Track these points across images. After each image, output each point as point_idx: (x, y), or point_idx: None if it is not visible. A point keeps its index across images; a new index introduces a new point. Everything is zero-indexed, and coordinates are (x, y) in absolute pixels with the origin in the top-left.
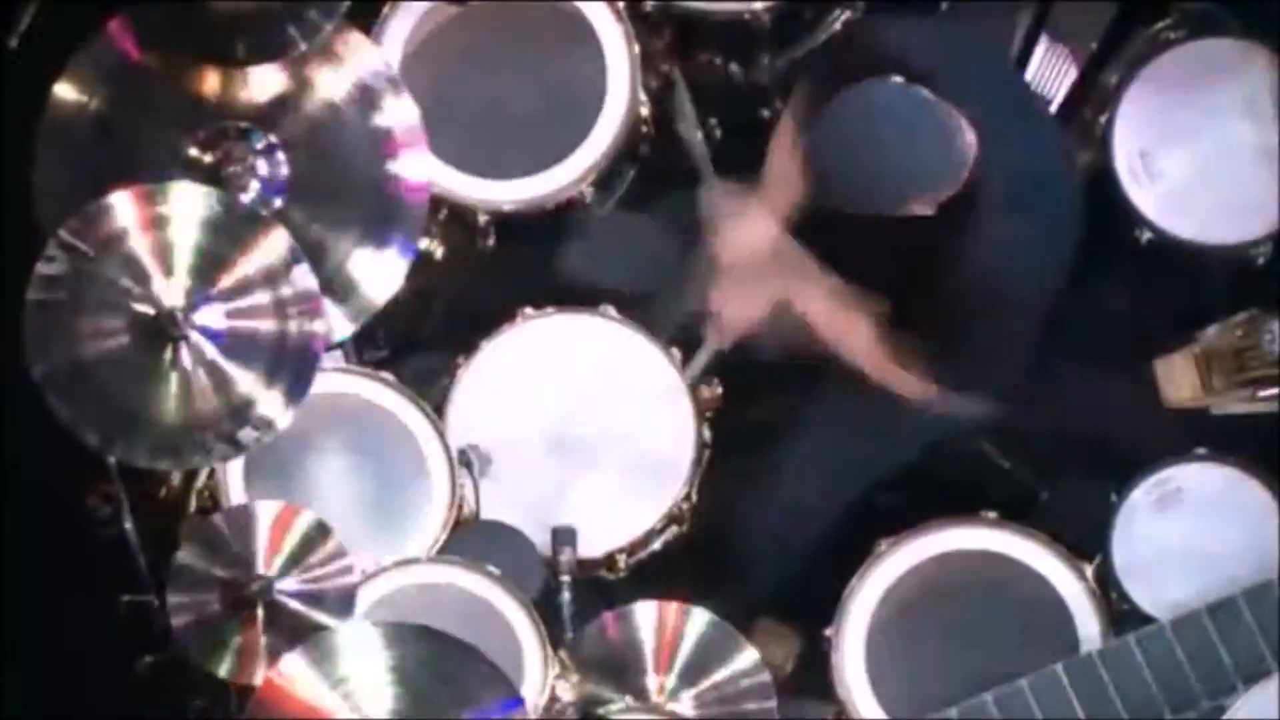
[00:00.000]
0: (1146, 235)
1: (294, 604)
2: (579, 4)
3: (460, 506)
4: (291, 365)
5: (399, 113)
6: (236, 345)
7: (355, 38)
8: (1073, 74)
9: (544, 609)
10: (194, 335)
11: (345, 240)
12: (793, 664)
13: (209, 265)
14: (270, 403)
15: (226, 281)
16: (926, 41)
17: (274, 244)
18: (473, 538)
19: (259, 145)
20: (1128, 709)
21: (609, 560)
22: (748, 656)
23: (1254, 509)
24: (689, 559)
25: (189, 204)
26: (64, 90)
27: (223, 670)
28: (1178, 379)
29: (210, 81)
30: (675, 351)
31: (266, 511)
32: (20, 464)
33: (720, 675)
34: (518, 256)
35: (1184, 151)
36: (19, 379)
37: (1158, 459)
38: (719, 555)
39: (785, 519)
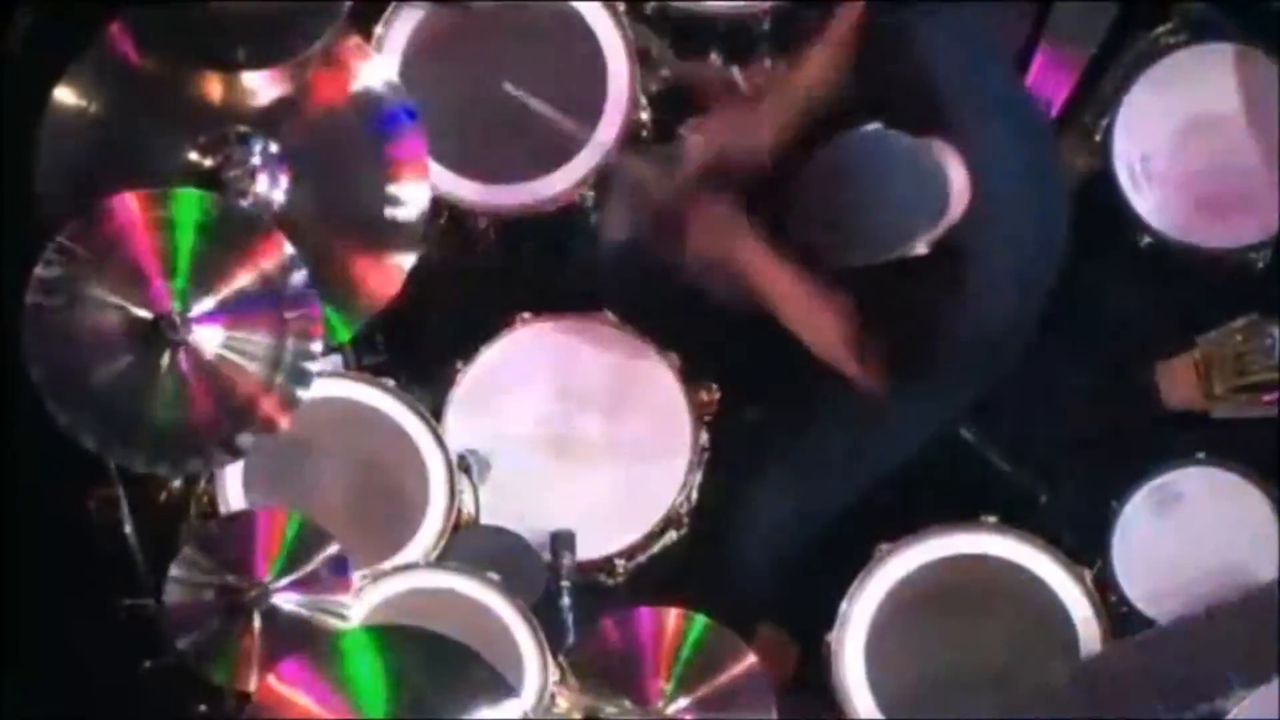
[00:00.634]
0: (1146, 240)
1: (293, 609)
2: (578, 7)
3: (459, 511)
4: (290, 370)
5: (398, 117)
6: (235, 349)
7: (355, 42)
8: (1073, 78)
9: (543, 614)
10: (192, 339)
11: (344, 244)
12: (792, 669)
13: (208, 270)
14: (269, 407)
15: (226, 286)
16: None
17: (273, 249)
18: (472, 542)
19: (259, 150)
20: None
21: (608, 565)
22: (747, 661)
23: (1254, 513)
24: (688, 564)
25: (189, 208)
26: (64, 94)
27: (221, 675)
28: (1178, 383)
29: (210, 86)
30: (674, 356)
31: (265, 516)
32: (20, 468)
33: (719, 680)
34: (517, 261)
35: (1183, 156)
36: (18, 383)
37: (1158, 463)
38: (718, 560)
39: (784, 524)
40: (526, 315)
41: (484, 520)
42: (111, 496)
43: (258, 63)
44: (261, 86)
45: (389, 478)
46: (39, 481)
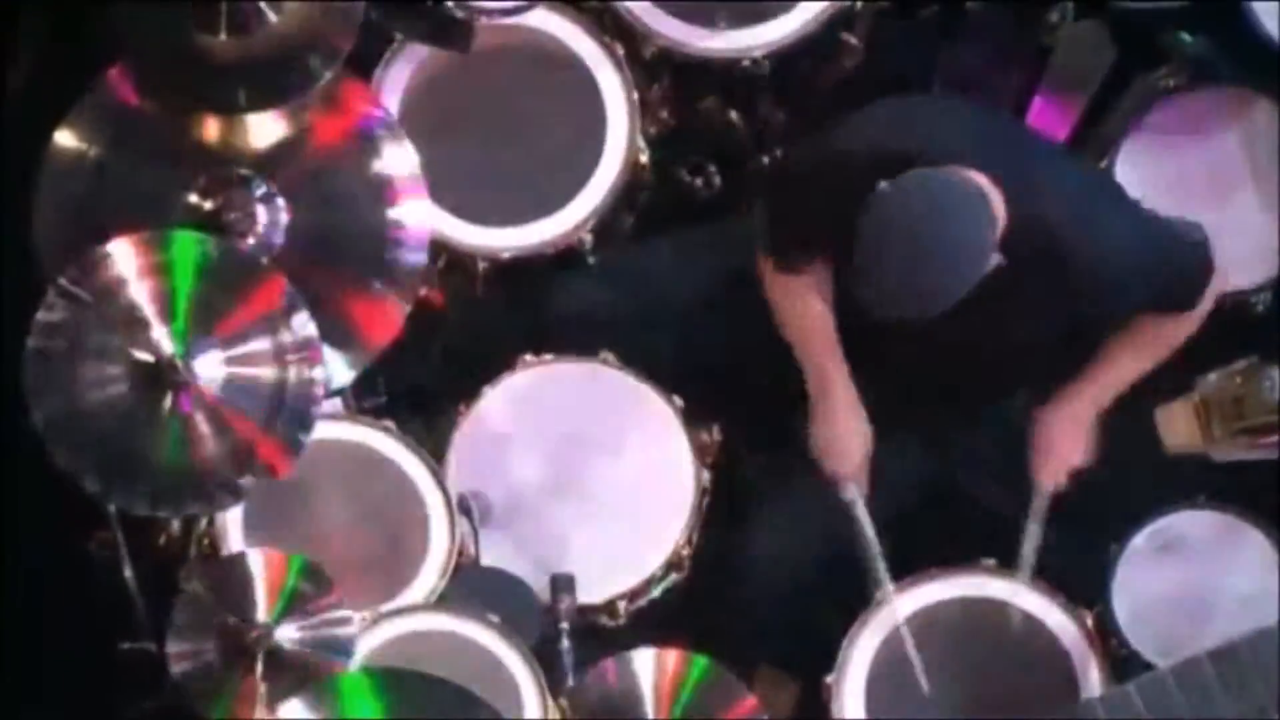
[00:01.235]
0: None
1: (293, 651)
2: (578, 50)
3: (460, 553)
4: (291, 412)
5: (399, 160)
6: (236, 392)
7: (355, 85)
8: (1071, 122)
9: (543, 656)
10: (194, 382)
11: (345, 287)
12: (793, 711)
13: (209, 312)
14: (270, 449)
15: (226, 328)
16: (919, 124)
17: (274, 291)
18: (472, 585)
19: (259, 192)
20: None
21: (609, 607)
22: (748, 704)
23: (1254, 556)
24: (689, 606)
25: (189, 251)
26: (64, 138)
27: (222, 717)
28: (1178, 426)
29: (210, 129)
30: (676, 398)
31: (266, 559)
32: (20, 511)
33: None
34: (517, 303)
35: (1183, 199)
36: (19, 425)
37: (1158, 506)
38: (719, 602)
39: (785, 566)
40: (528, 357)
41: (484, 562)
42: (111, 539)
43: (258, 105)
44: (261, 129)
45: (390, 520)
46: (39, 524)
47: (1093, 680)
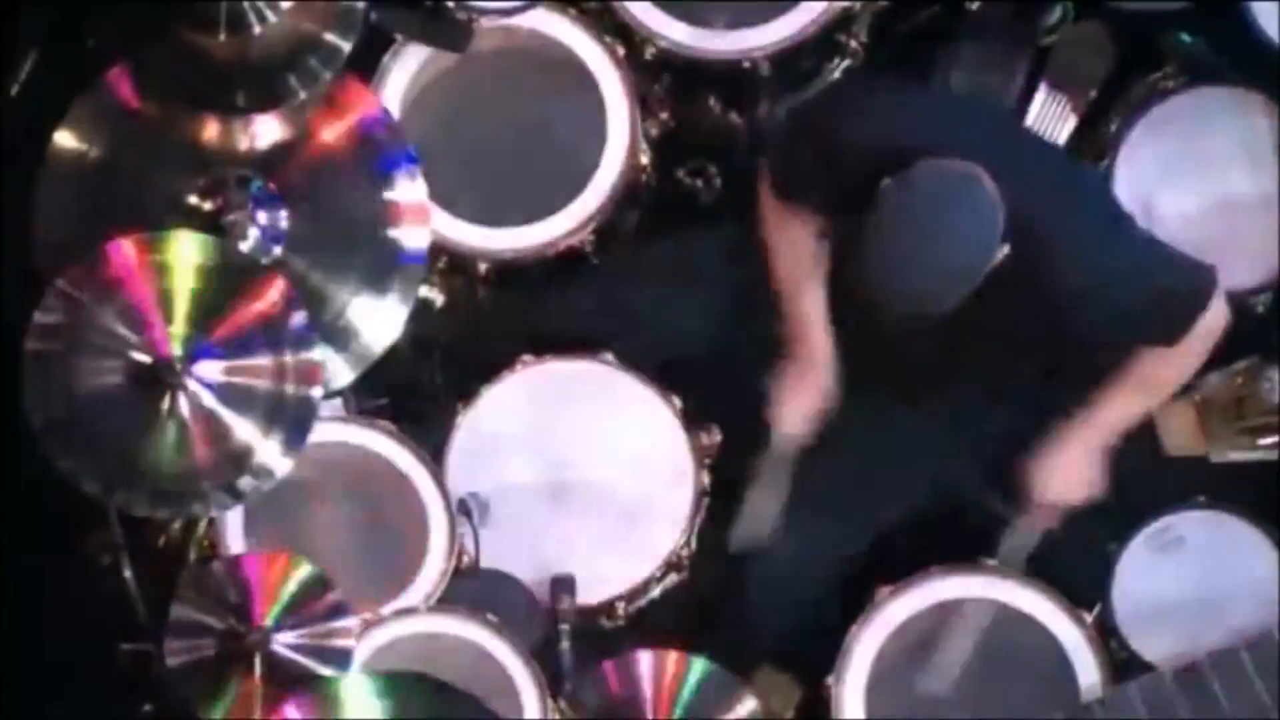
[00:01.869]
0: None
1: (292, 654)
2: (579, 52)
3: (459, 555)
4: (290, 413)
5: (399, 161)
6: (235, 393)
7: (355, 86)
8: (1072, 122)
9: (543, 657)
10: (192, 384)
11: (344, 288)
12: (793, 713)
13: (208, 313)
14: (269, 451)
15: (225, 330)
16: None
17: (273, 292)
18: (472, 586)
19: (258, 193)
20: None
21: (608, 608)
22: (748, 705)
23: (1254, 557)
24: (688, 607)
25: (188, 252)
26: (64, 138)
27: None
28: (1177, 427)
29: (210, 130)
30: (675, 399)
31: (266, 560)
32: (20, 512)
33: None
34: (517, 304)
35: (1183, 199)
36: (17, 427)
37: (1158, 507)
38: (718, 603)
39: (785, 567)
40: (527, 357)
41: (484, 564)
42: (111, 541)
43: (257, 106)
44: (261, 130)
45: (389, 521)
46: (39, 525)
47: (1093, 680)
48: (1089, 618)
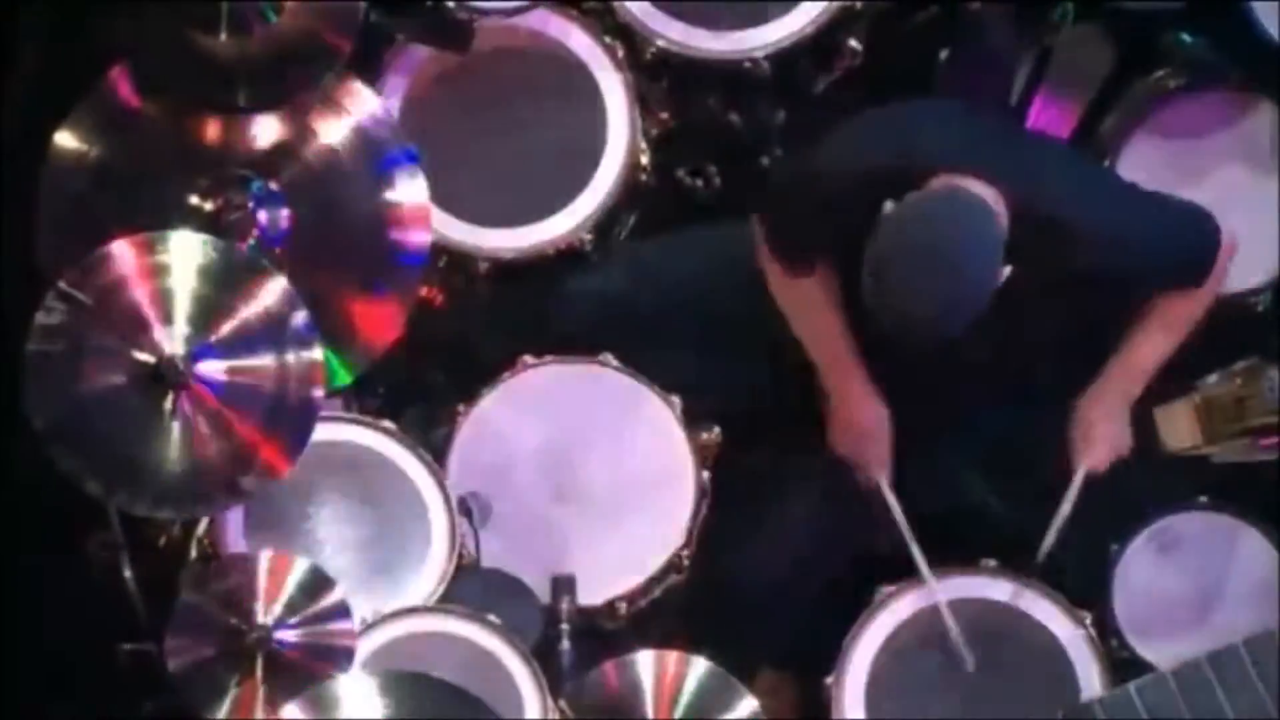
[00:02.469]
0: None
1: (293, 653)
2: (579, 51)
3: (460, 555)
4: (292, 413)
5: (399, 161)
6: (237, 393)
7: (356, 86)
8: (1072, 122)
9: (544, 658)
10: (194, 383)
11: (345, 288)
12: (793, 712)
13: (209, 313)
14: (270, 451)
15: (226, 330)
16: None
17: (274, 292)
18: (472, 586)
19: (259, 193)
20: None
21: (609, 609)
22: (748, 705)
23: (1254, 557)
24: (689, 607)
25: (189, 252)
26: (64, 138)
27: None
28: (1178, 427)
29: (211, 130)
30: (675, 399)
31: (266, 560)
32: (19, 513)
33: None
34: (518, 304)
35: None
36: (19, 427)
37: (1158, 506)
38: (719, 603)
39: (785, 567)
40: (528, 358)
41: (484, 563)
42: (111, 541)
43: (258, 106)
44: (262, 130)
45: (390, 521)
46: (39, 525)
47: (1093, 680)
48: (1089, 618)
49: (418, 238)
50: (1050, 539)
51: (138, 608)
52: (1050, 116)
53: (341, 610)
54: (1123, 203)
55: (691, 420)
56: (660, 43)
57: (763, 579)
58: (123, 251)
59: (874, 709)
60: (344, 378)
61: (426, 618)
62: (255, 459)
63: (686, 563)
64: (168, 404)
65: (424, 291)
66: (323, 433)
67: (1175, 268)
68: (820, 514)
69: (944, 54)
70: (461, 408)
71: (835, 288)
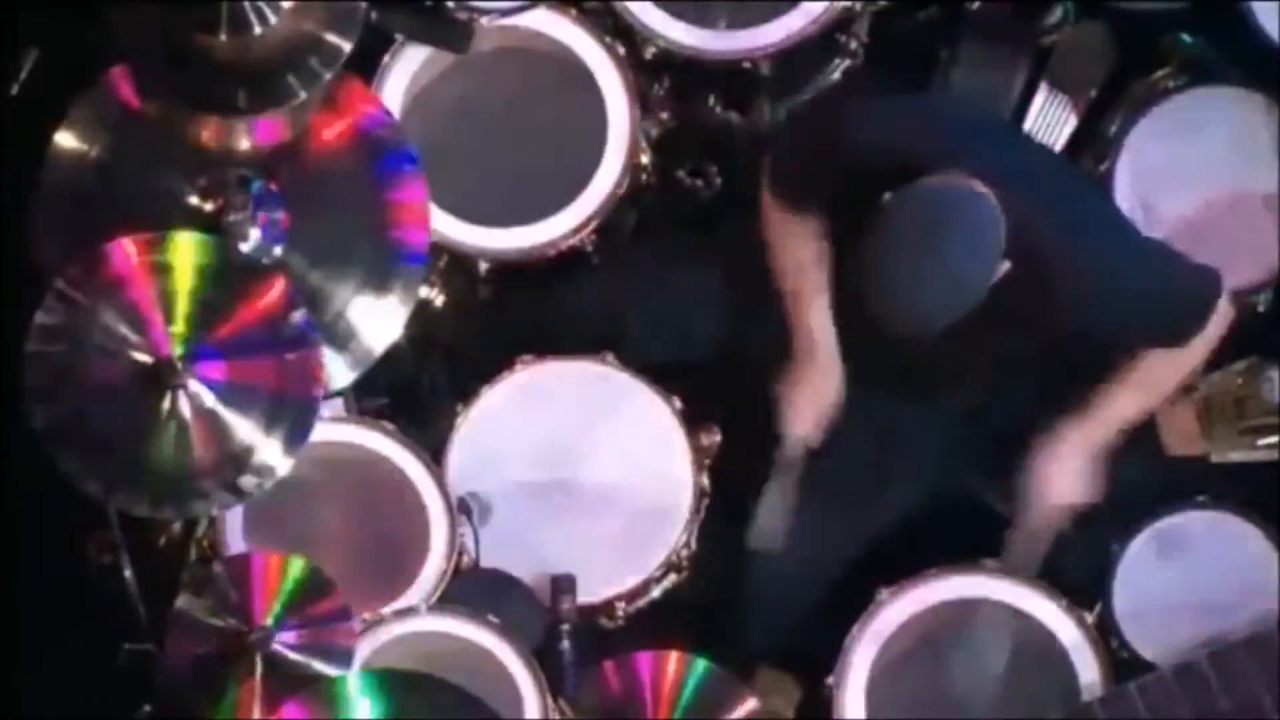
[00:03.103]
0: None
1: (293, 653)
2: (579, 51)
3: (460, 555)
4: (291, 413)
5: (399, 161)
6: (236, 393)
7: (355, 86)
8: (1072, 121)
9: (544, 657)
10: (193, 383)
11: (345, 288)
12: (793, 713)
13: (208, 313)
14: (270, 450)
15: (226, 330)
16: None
17: (273, 292)
18: (472, 586)
19: (258, 193)
20: None
21: (608, 608)
22: (748, 705)
23: (1254, 557)
24: (689, 607)
25: (188, 252)
26: (64, 138)
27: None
28: (1178, 427)
29: (211, 130)
30: (675, 399)
31: (266, 560)
32: (19, 513)
33: None
34: (518, 304)
35: (1184, 199)
36: (17, 427)
37: (1158, 507)
38: (719, 603)
39: (785, 567)
40: (527, 357)
41: (484, 563)
42: (111, 541)
43: (258, 106)
44: (262, 130)
45: (389, 521)
46: (39, 526)
47: (1093, 680)
48: (1089, 618)
49: (418, 238)
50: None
51: (138, 608)
52: (1050, 116)
53: (341, 610)
54: (1120, 242)
55: (691, 420)
56: (660, 43)
57: (763, 578)
58: (122, 251)
59: (874, 709)
60: (344, 378)
61: (426, 618)
62: (254, 459)
63: (686, 562)
64: (167, 404)
65: (424, 291)
66: (323, 433)
67: (1159, 317)
68: (820, 514)
69: (944, 54)
70: (461, 408)
71: (822, 244)
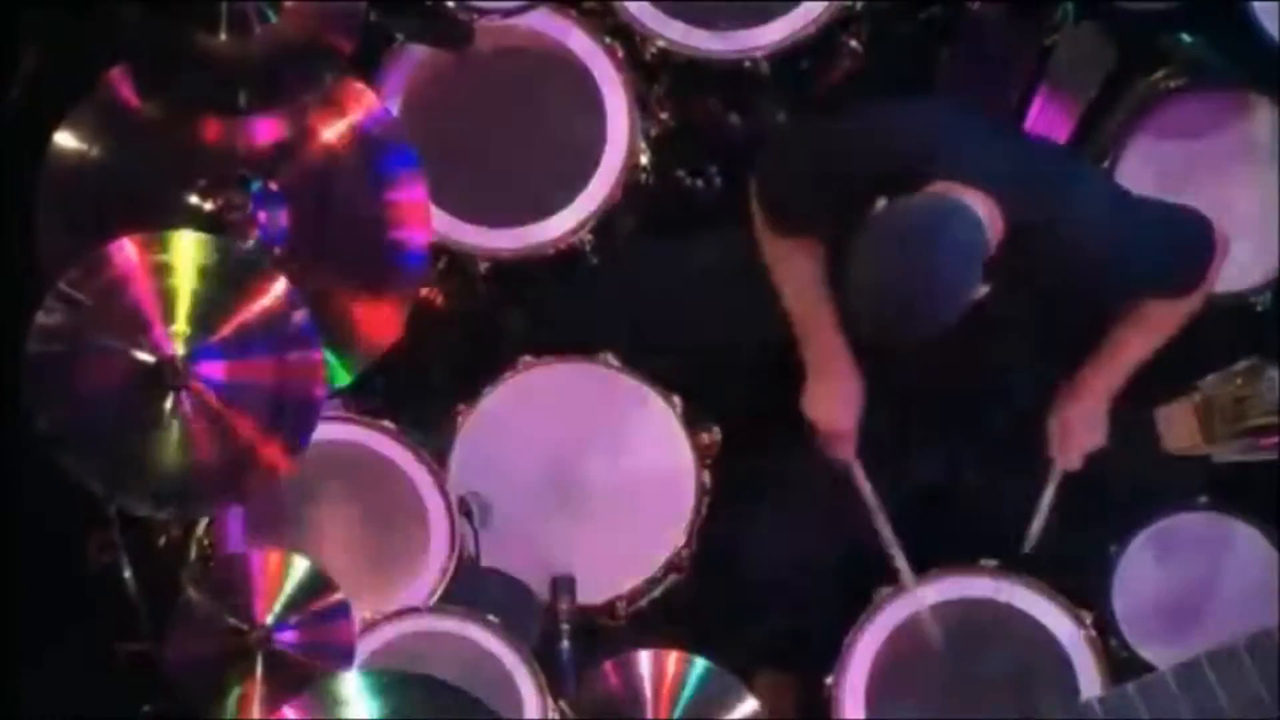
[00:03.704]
0: None
1: (293, 653)
2: (578, 51)
3: (460, 555)
4: (292, 413)
5: (399, 160)
6: (237, 393)
7: (355, 86)
8: (1072, 122)
9: (544, 658)
10: (194, 383)
11: (345, 288)
12: (793, 713)
13: (209, 313)
14: (271, 450)
15: (227, 330)
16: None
17: (274, 292)
18: (472, 586)
19: (259, 193)
20: None
21: (609, 608)
22: (748, 705)
23: (1254, 557)
24: (689, 607)
25: (189, 252)
26: (64, 139)
27: (222, 719)
28: (1178, 427)
29: (211, 130)
30: (676, 399)
31: (266, 559)
32: (19, 513)
33: None
34: (517, 304)
35: (1184, 199)
36: (18, 428)
37: (1158, 506)
38: (719, 603)
39: (785, 567)
40: (528, 358)
41: (484, 564)
42: (111, 540)
43: (258, 106)
44: (262, 130)
45: (390, 521)
46: (38, 526)
47: (1093, 680)
48: (1089, 618)
49: (418, 238)
50: (1034, 532)
51: (138, 608)
52: (1050, 116)
53: (341, 610)
54: (1119, 210)
55: (691, 420)
56: (660, 43)
57: (762, 579)
58: (123, 251)
59: (874, 709)
60: (344, 378)
61: (426, 618)
62: (255, 459)
63: (686, 562)
64: (168, 404)
65: (424, 291)
66: (323, 433)
67: (1168, 275)
68: (820, 514)
69: (944, 54)
70: (461, 408)
71: (822, 260)
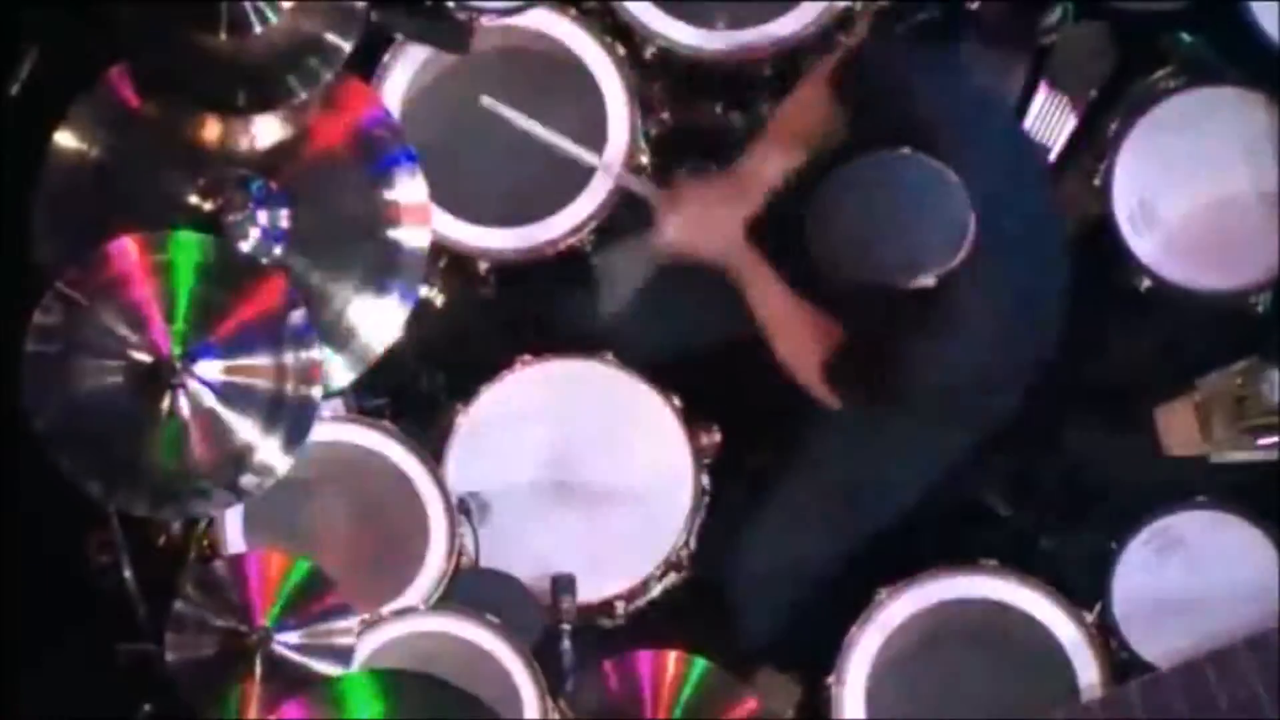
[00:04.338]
0: (1146, 283)
1: (293, 653)
2: (579, 52)
3: (459, 554)
4: (290, 413)
5: (399, 161)
6: (235, 393)
7: (355, 86)
8: (1072, 121)
9: (543, 657)
10: (192, 383)
11: (345, 288)
12: (793, 713)
13: (208, 313)
14: (269, 450)
15: (225, 329)
16: (933, 88)
17: (274, 291)
18: (472, 586)
19: (258, 193)
20: None
21: (608, 608)
22: (748, 705)
23: (1254, 557)
24: (688, 606)
25: (188, 251)
26: (64, 138)
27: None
28: (1177, 427)
29: (211, 130)
30: (675, 399)
31: (266, 559)
32: (18, 513)
33: None
34: (517, 304)
35: (1183, 199)
36: (17, 428)
37: (1158, 507)
38: (718, 603)
39: (785, 567)
40: (527, 357)
41: (484, 563)
42: (110, 540)
43: (258, 106)
44: (262, 130)
45: (389, 521)
46: (38, 526)
47: (1093, 680)
48: (1089, 618)
49: (417, 238)
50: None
51: (137, 608)
52: (1050, 115)
53: (341, 610)
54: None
55: (692, 419)
56: (660, 42)
57: (762, 578)
58: (122, 251)
59: (874, 709)
60: (344, 378)
61: (426, 618)
62: (254, 459)
63: (686, 562)
64: (166, 403)
65: (424, 291)
66: (323, 433)
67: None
68: (819, 514)
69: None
70: (460, 407)
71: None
